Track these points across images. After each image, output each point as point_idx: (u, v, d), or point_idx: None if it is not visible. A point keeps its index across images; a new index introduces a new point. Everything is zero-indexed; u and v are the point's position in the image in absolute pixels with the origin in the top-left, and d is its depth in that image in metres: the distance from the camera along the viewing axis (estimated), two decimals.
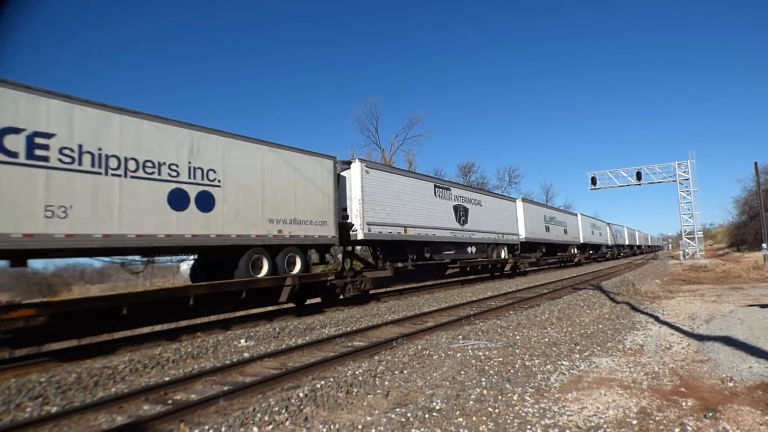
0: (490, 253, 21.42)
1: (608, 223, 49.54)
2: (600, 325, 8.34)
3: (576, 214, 38.49)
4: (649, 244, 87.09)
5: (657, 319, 8.95)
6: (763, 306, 8.62)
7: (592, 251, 43.27)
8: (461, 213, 18.91)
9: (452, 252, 18.27)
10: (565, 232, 33.52)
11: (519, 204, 25.90)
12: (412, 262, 15.54)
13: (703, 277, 20.10)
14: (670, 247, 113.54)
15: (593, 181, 41.10)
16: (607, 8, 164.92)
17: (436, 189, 17.52)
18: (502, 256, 22.79)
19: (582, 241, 37.47)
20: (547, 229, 29.48)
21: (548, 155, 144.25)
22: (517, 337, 7.58)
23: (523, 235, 25.21)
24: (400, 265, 15.56)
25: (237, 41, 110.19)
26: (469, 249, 19.54)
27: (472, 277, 21.84)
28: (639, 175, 39.13)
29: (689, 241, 38.83)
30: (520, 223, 25.34)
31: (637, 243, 70.38)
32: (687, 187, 37.89)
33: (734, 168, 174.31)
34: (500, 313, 10.84)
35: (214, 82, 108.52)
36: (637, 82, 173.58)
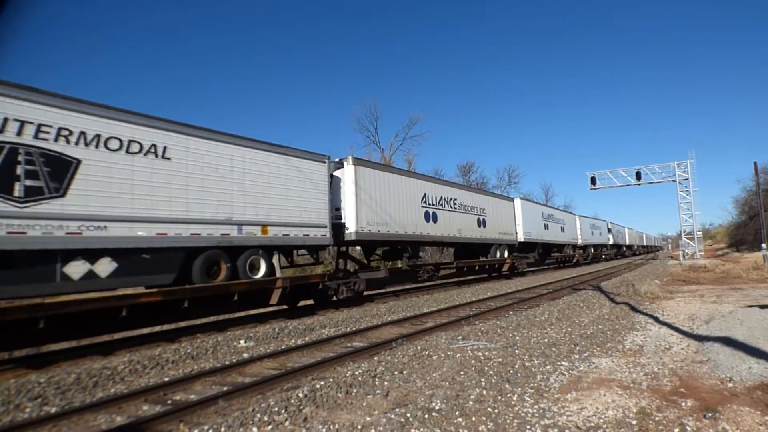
0: (201, 270, 9.03)
1: (580, 216, 37.67)
2: (599, 326, 8.35)
3: (512, 199, 25.31)
4: (644, 244, 77.77)
5: (656, 319, 8.96)
6: (762, 307, 8.63)
7: (557, 251, 31.50)
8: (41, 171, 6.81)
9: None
10: (482, 224, 20.52)
11: (349, 168, 13.07)
12: None
13: (702, 277, 20.10)
14: (669, 248, 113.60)
15: (593, 181, 41.19)
16: (608, 8, 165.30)
17: None
18: (262, 271, 10.39)
19: (523, 239, 24.64)
20: (433, 217, 16.76)
21: (548, 155, 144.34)
22: (517, 337, 7.59)
23: (352, 228, 12.85)
24: None
25: (237, 42, 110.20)
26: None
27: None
28: (639, 175, 39.23)
29: (689, 242, 38.89)
30: (348, 204, 12.97)
31: (627, 243, 58.74)
32: (686, 187, 37.98)
33: (734, 168, 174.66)
34: (500, 313, 10.84)
35: (213, 83, 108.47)
36: (637, 82, 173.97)
